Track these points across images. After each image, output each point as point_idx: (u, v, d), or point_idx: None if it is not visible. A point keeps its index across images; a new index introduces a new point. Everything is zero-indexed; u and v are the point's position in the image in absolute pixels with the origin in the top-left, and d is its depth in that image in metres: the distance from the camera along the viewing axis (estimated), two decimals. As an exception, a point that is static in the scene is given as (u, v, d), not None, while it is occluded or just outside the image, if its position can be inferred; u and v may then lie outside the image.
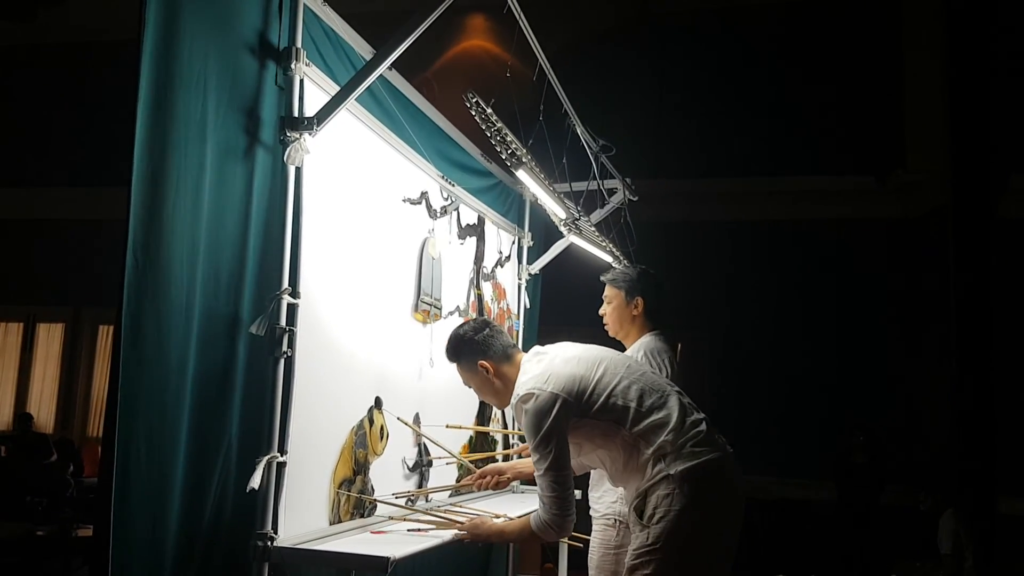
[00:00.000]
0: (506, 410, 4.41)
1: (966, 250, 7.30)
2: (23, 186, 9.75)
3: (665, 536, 2.35)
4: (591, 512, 3.27)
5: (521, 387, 2.52)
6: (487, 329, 2.68)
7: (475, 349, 2.64)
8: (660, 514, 2.36)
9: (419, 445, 3.34)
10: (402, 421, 3.17)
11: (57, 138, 9.68)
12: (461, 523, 2.75)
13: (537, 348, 2.68)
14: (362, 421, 2.91)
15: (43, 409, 9.63)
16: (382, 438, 3.08)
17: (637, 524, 2.42)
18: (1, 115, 9.68)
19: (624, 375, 2.51)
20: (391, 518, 2.95)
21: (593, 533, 3.23)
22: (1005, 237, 7.36)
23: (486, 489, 3.03)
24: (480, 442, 4.05)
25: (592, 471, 3.24)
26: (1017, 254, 7.49)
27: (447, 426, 3.50)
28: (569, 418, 2.44)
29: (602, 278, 3.37)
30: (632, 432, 2.44)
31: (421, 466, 3.36)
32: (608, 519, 3.17)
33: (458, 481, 3.63)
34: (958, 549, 5.64)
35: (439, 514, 2.94)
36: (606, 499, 3.18)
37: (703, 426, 2.46)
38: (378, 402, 3.04)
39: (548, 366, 2.54)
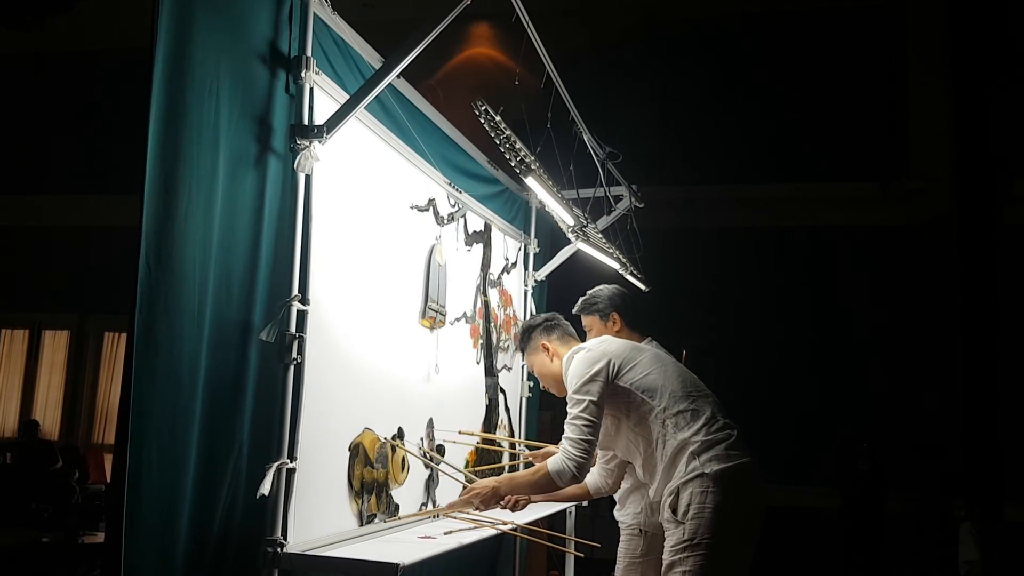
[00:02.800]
0: (512, 418, 4.43)
1: (971, 257, 7.31)
2: (28, 193, 9.79)
3: (701, 532, 2.43)
4: (619, 524, 3.33)
5: (579, 346, 2.81)
6: (553, 320, 3.05)
7: (539, 331, 3.00)
8: (694, 510, 2.45)
9: (431, 471, 3.36)
10: (416, 455, 3.22)
11: (63, 145, 9.72)
12: (468, 493, 2.83)
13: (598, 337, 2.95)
14: (358, 446, 2.87)
15: (48, 416, 9.64)
16: (403, 470, 3.14)
17: (672, 521, 2.49)
18: (7, 122, 9.72)
19: (671, 364, 2.73)
20: (399, 517, 2.98)
21: (620, 543, 3.29)
22: (1010, 244, 7.36)
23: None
24: (484, 452, 4.04)
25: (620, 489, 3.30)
26: (1022, 261, 7.48)
27: (459, 432, 3.52)
28: (611, 378, 2.63)
29: (574, 312, 3.41)
30: (664, 413, 2.57)
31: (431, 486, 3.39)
32: (633, 529, 3.23)
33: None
34: (984, 555, 5.64)
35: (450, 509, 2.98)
36: (631, 510, 3.24)
37: (735, 432, 2.53)
38: (400, 433, 3.10)
39: (606, 337, 2.88)
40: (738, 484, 2.47)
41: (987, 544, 5.62)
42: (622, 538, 3.29)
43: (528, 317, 3.19)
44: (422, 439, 3.27)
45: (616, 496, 3.34)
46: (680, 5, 8.76)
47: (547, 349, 2.96)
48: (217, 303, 2.19)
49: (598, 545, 3.36)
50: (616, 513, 3.34)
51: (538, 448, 3.60)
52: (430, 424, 3.35)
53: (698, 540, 2.43)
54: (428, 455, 3.30)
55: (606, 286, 3.41)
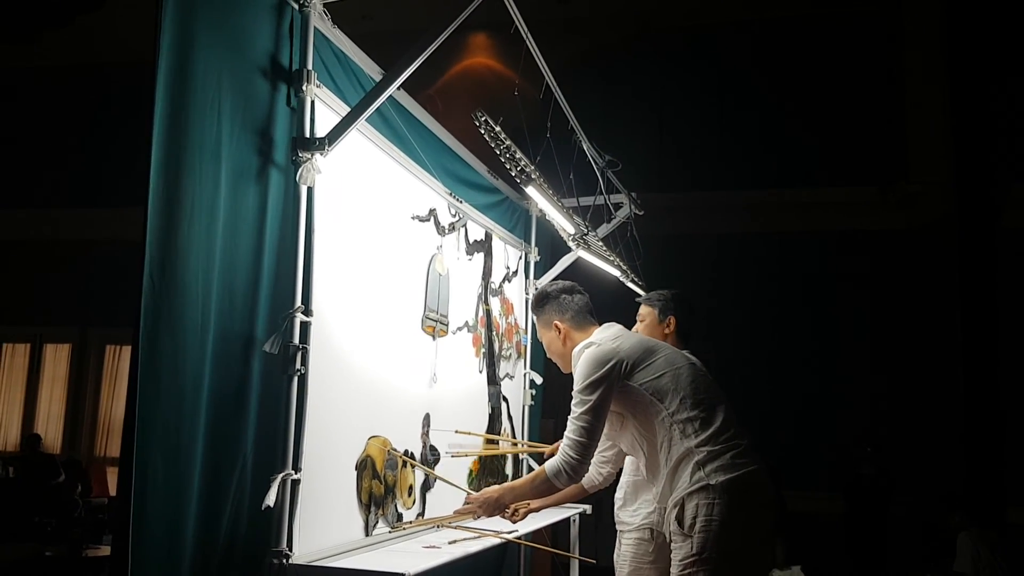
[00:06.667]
0: (515, 426, 4.43)
1: (971, 260, 7.32)
2: (29, 207, 9.81)
3: (710, 545, 2.38)
4: (619, 527, 3.23)
5: (589, 341, 2.69)
6: (571, 294, 2.86)
7: (554, 307, 2.84)
8: (701, 523, 2.40)
9: (425, 445, 3.37)
10: (425, 469, 3.23)
11: (63, 160, 9.74)
12: (470, 503, 2.80)
13: (612, 323, 2.82)
14: (365, 460, 2.88)
15: (50, 430, 9.64)
16: (410, 495, 3.17)
17: (679, 534, 2.45)
18: (6, 137, 9.75)
19: (686, 365, 2.62)
20: (404, 527, 2.97)
21: (623, 548, 3.19)
22: (1009, 247, 7.38)
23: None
24: (489, 461, 4.05)
25: (622, 488, 3.24)
26: (1021, 264, 7.49)
27: (456, 431, 3.52)
28: (620, 378, 2.55)
29: (637, 299, 3.40)
30: (672, 417, 2.50)
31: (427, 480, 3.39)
32: (643, 530, 3.13)
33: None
34: (977, 569, 5.59)
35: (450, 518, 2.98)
36: (643, 510, 3.14)
37: (744, 440, 2.49)
38: (408, 456, 3.14)
39: (620, 332, 2.72)
40: (745, 494, 2.42)
41: (985, 555, 5.58)
42: (626, 543, 3.18)
43: (550, 281, 3.07)
44: (410, 454, 3.26)
45: (619, 495, 3.25)
46: (676, 14, 8.80)
47: (559, 329, 2.82)
48: (220, 315, 2.20)
49: (592, 561, 3.32)
50: (619, 512, 3.23)
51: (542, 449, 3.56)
52: (426, 421, 3.35)
53: (707, 554, 2.38)
54: (431, 473, 3.30)
55: (680, 292, 3.36)
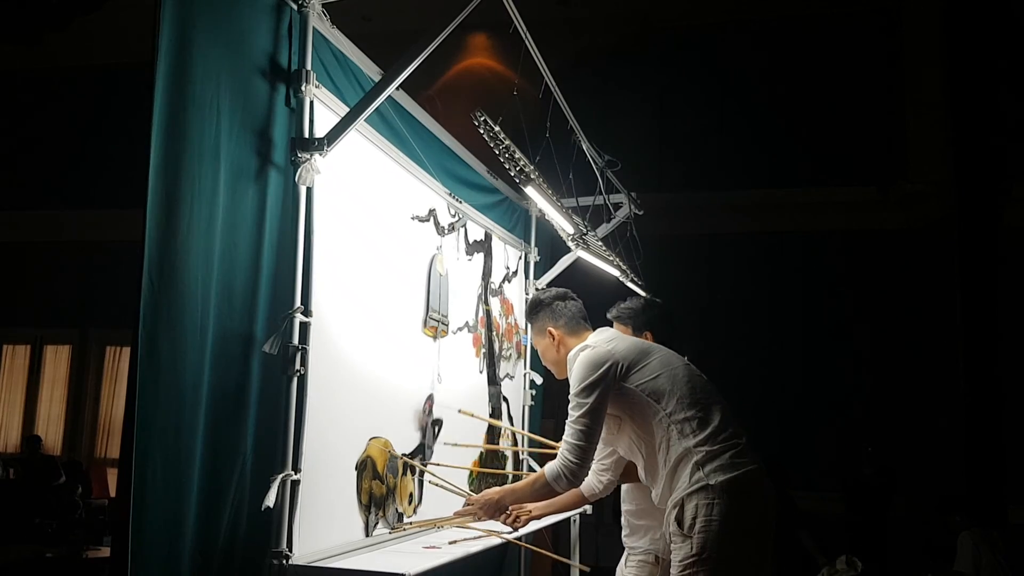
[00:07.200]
0: (516, 422, 4.43)
1: (971, 260, 7.31)
2: (28, 209, 9.81)
3: (710, 545, 2.38)
4: (628, 548, 3.18)
5: (584, 344, 2.69)
6: (564, 300, 2.86)
7: (547, 314, 2.84)
8: (701, 523, 2.39)
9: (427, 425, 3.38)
10: (422, 467, 3.24)
11: (63, 161, 9.75)
12: (470, 504, 2.81)
13: (606, 328, 2.83)
14: (366, 461, 2.88)
15: (51, 431, 9.64)
16: (411, 503, 3.16)
17: (678, 534, 2.45)
18: (6, 138, 9.75)
19: (681, 367, 2.62)
20: (404, 527, 2.97)
21: (628, 565, 3.16)
22: (1010, 246, 7.37)
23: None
24: (490, 458, 4.05)
25: (628, 512, 3.20)
26: (1021, 263, 7.49)
27: (460, 411, 3.55)
28: (616, 380, 2.55)
29: (608, 315, 3.35)
30: (669, 418, 2.50)
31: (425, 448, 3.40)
32: (648, 554, 3.09)
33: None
34: (977, 569, 5.57)
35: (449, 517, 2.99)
36: (651, 535, 3.08)
37: (743, 439, 2.49)
38: (409, 467, 3.14)
39: (615, 336, 2.73)
40: (745, 493, 2.41)
41: (986, 556, 5.57)
42: (632, 562, 3.13)
43: (543, 288, 3.05)
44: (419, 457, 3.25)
45: (624, 521, 3.20)
46: (676, 14, 8.80)
47: (552, 336, 2.82)
48: (220, 316, 2.20)
49: (587, 569, 3.30)
50: (626, 539, 3.19)
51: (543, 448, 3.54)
52: (429, 400, 3.35)
53: (707, 554, 2.37)
54: (434, 475, 3.29)
55: (652, 299, 3.30)
